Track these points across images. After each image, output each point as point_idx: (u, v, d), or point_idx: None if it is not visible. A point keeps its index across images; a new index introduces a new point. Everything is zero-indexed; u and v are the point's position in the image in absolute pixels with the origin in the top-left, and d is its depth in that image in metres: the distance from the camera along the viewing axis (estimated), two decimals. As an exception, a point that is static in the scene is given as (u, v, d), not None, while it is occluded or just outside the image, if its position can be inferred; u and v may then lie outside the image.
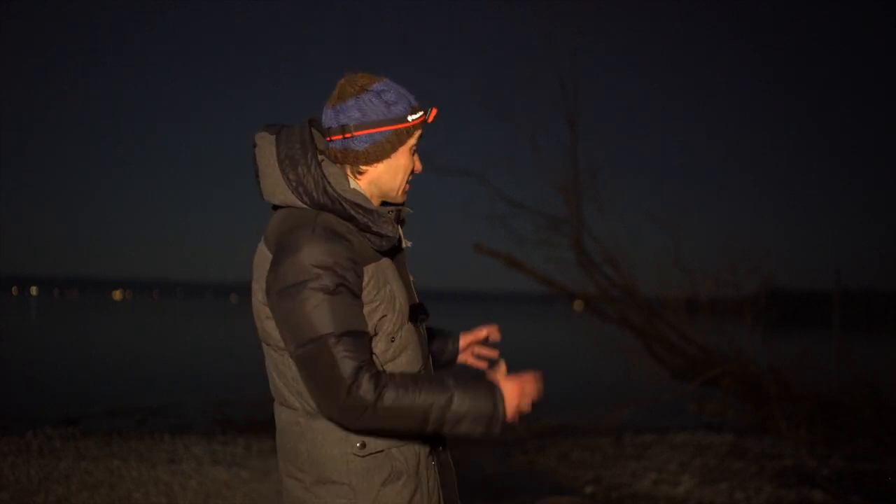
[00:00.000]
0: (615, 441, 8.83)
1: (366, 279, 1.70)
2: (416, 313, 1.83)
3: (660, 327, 10.21)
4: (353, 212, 1.70)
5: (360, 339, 1.67)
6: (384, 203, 1.85)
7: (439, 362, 2.17)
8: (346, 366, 1.63)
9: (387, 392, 1.64)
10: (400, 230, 1.87)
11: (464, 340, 2.23)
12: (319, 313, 1.64)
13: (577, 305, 11.92)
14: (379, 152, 1.76)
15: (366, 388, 1.63)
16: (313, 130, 1.81)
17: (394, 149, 1.77)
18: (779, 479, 6.80)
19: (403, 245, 1.87)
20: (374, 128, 1.74)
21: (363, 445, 1.72)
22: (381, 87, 1.75)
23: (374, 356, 1.73)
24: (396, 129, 1.75)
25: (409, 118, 1.75)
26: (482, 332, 2.24)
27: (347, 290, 1.66)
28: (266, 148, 1.77)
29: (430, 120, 1.80)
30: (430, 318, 1.92)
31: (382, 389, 1.64)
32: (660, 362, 10.21)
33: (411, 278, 1.91)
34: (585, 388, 12.67)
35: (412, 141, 1.79)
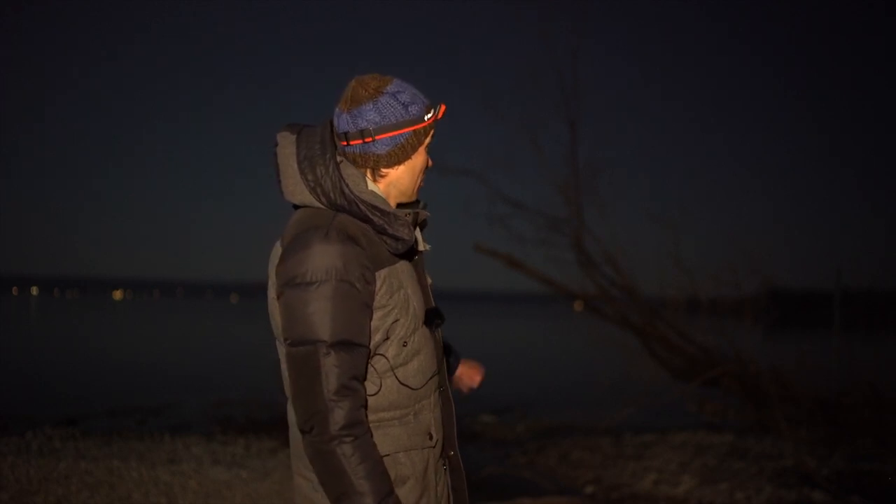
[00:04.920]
0: (615, 441, 8.83)
1: (378, 284, 1.69)
2: (432, 317, 1.82)
3: (660, 327, 10.20)
4: (369, 214, 1.70)
5: (355, 351, 1.65)
6: (401, 205, 1.85)
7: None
8: (331, 381, 1.62)
9: (349, 444, 1.62)
10: (419, 233, 1.87)
11: (461, 368, 2.31)
12: (319, 317, 1.63)
13: (577, 305, 11.92)
14: (400, 154, 1.76)
15: (338, 417, 1.62)
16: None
17: (413, 150, 1.78)
18: (779, 479, 6.80)
19: (422, 248, 1.86)
20: (394, 130, 1.73)
21: None
22: (394, 89, 1.74)
23: (382, 360, 1.73)
24: (415, 130, 1.75)
25: (426, 117, 1.76)
26: (470, 377, 2.31)
27: (353, 298, 1.64)
28: (287, 147, 1.76)
29: (439, 116, 1.80)
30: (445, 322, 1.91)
31: (350, 436, 1.62)
32: (660, 362, 10.20)
33: (429, 281, 1.90)
34: (585, 388, 12.67)
35: (428, 139, 1.80)
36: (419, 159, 1.81)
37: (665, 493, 6.61)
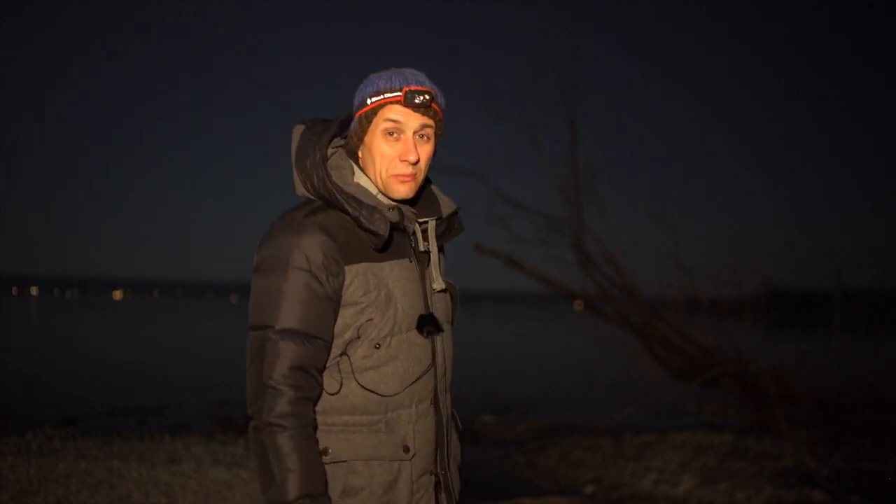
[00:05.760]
0: (615, 441, 8.82)
1: (348, 279, 1.65)
2: (423, 323, 1.74)
3: (660, 327, 10.20)
4: (345, 204, 1.67)
5: (307, 343, 1.62)
6: (405, 202, 1.76)
7: None
8: (274, 368, 1.60)
9: (280, 434, 1.58)
10: (422, 234, 1.80)
11: None
12: (274, 303, 1.63)
13: (577, 305, 11.92)
14: (355, 139, 1.76)
15: (274, 405, 1.59)
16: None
17: (358, 136, 1.75)
18: (779, 479, 6.79)
19: (422, 248, 1.79)
20: (354, 116, 1.76)
21: (325, 452, 1.67)
22: (372, 77, 1.74)
23: (347, 361, 1.68)
24: (360, 115, 1.73)
25: (369, 101, 1.71)
26: None
27: (311, 289, 1.62)
28: (294, 141, 1.78)
29: (403, 101, 1.67)
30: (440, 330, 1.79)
31: (282, 427, 1.58)
32: (660, 362, 10.20)
33: (436, 286, 1.80)
34: (585, 388, 12.67)
35: (382, 124, 1.70)
36: (374, 144, 1.72)
37: (665, 493, 6.61)
